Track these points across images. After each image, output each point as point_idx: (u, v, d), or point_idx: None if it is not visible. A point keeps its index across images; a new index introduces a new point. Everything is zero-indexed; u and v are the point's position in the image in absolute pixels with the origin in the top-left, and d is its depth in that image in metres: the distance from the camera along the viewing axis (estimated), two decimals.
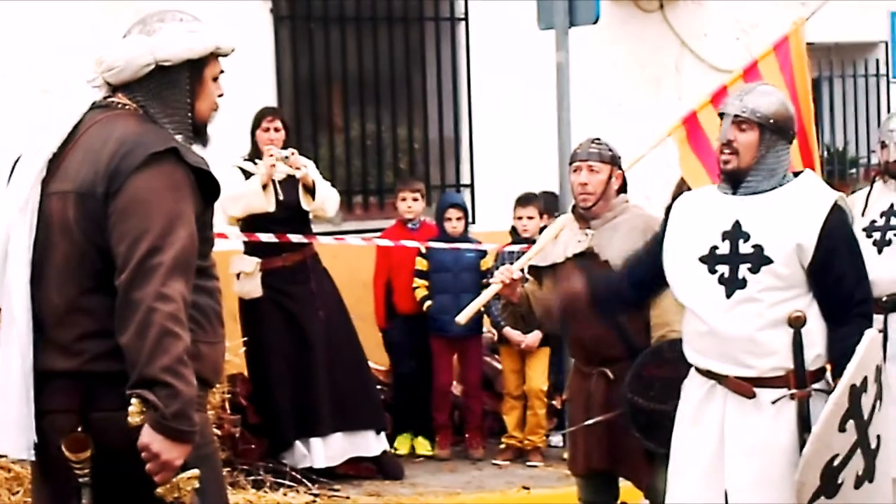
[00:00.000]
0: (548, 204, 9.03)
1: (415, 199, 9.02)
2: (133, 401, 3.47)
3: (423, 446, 9.03)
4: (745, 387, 4.72)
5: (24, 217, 3.68)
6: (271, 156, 8.06)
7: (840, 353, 4.70)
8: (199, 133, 3.84)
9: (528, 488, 8.30)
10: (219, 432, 7.82)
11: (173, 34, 3.74)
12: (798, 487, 4.59)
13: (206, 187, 3.70)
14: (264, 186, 8.05)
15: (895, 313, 6.55)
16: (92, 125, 3.74)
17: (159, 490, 3.53)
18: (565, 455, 6.81)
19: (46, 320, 3.66)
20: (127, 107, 3.76)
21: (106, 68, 3.76)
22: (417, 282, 8.96)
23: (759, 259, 4.70)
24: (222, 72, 3.86)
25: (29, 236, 3.67)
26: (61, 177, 3.69)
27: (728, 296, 4.72)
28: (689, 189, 8.65)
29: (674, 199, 9.00)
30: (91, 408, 3.60)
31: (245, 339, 8.17)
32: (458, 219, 9.02)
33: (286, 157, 8.09)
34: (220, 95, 3.88)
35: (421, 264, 8.95)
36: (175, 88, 3.76)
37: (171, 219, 3.56)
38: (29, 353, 3.63)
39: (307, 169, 8.18)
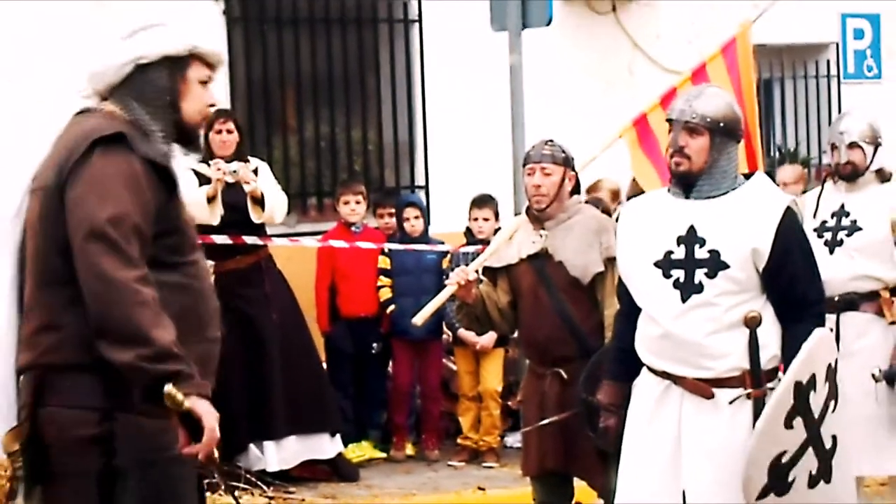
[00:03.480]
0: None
1: (357, 202, 9.00)
2: (169, 388, 3.48)
3: (365, 449, 9.00)
4: (703, 388, 4.73)
5: (17, 224, 3.75)
6: (219, 170, 8.02)
7: (794, 353, 4.71)
8: (188, 138, 3.83)
9: (483, 489, 8.32)
10: None
11: (151, 35, 3.77)
12: (745, 483, 4.61)
13: (166, 178, 3.70)
14: (210, 199, 8.01)
15: (847, 313, 6.61)
16: (67, 128, 3.78)
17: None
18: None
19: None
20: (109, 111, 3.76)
21: (91, 76, 3.79)
22: (383, 280, 8.96)
23: (716, 264, 4.72)
24: (211, 78, 3.84)
25: (17, 240, 3.74)
26: (36, 176, 3.75)
27: (684, 300, 4.74)
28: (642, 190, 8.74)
29: (629, 200, 9.06)
30: (38, 403, 3.63)
31: None
32: (416, 217, 9.04)
33: (234, 171, 8.05)
34: (212, 105, 3.88)
35: (384, 262, 8.96)
36: (155, 87, 3.75)
37: (120, 208, 3.56)
38: (11, 357, 3.68)
39: (256, 183, 8.13)
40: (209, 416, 3.56)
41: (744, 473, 4.61)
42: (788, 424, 4.61)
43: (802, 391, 4.63)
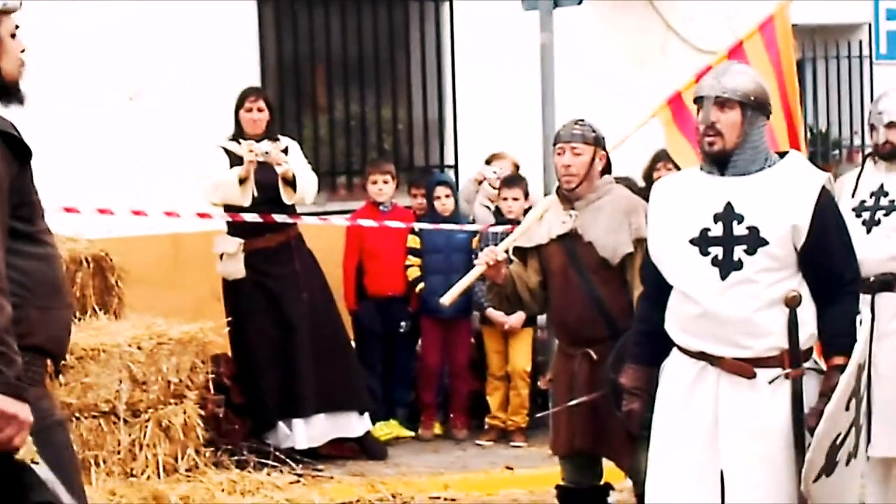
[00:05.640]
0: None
1: (385, 182, 8.99)
2: None
3: (393, 428, 9.00)
4: (744, 367, 4.71)
5: None
6: (251, 151, 8.02)
7: (833, 332, 4.73)
8: (10, 93, 3.84)
9: (511, 468, 8.33)
10: (202, 412, 7.83)
11: None
12: (807, 466, 4.61)
13: (17, 149, 3.68)
14: (243, 181, 8.01)
15: (883, 293, 6.56)
16: None
17: (21, 454, 3.53)
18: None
19: None
20: None
21: None
22: (411, 259, 8.97)
23: (755, 240, 4.69)
24: (18, 27, 3.84)
25: None
26: None
27: (723, 277, 4.71)
28: (664, 167, 8.75)
29: (644, 178, 9.06)
30: None
31: (228, 319, 8.16)
32: (447, 196, 9.04)
33: (266, 153, 8.05)
34: (24, 51, 3.86)
35: (414, 241, 8.96)
36: None
37: None
38: None
39: (287, 164, 8.13)
40: (7, 412, 3.49)
41: (809, 457, 4.60)
42: (847, 406, 4.63)
43: (860, 373, 4.66)
